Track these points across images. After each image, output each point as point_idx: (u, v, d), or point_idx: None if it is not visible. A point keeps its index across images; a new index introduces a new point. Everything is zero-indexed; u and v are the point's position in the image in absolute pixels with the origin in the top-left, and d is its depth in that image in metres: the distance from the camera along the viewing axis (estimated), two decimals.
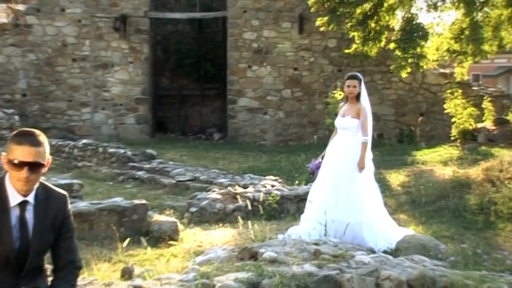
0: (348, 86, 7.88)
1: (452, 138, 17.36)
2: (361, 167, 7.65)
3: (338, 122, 8.00)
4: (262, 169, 15.67)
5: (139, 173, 15.28)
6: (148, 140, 22.34)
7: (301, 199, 10.23)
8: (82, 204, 8.41)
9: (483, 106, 18.00)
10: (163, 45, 26.21)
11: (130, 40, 22.55)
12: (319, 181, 7.95)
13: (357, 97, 7.88)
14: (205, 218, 9.98)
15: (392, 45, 18.13)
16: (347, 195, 7.62)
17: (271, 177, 13.02)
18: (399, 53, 17.63)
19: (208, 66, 25.65)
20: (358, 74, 8.03)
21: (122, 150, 16.78)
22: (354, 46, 18.88)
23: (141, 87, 22.72)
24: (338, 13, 17.90)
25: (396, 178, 13.30)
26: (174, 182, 14.10)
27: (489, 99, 18.56)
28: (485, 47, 17.59)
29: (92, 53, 22.52)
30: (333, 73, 21.76)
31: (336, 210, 7.54)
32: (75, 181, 10.97)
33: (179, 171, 14.74)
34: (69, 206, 4.08)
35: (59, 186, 4.44)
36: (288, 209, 10.44)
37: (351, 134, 7.81)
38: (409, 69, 18.23)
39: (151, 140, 22.29)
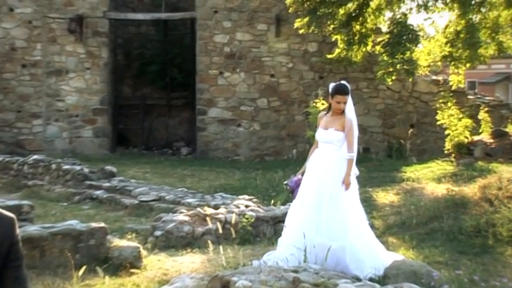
0: (339, 102, 7.81)
1: (446, 152, 17.47)
2: (347, 183, 7.66)
3: (320, 135, 7.96)
4: (235, 187, 15.67)
5: (98, 192, 15.20)
6: (108, 155, 22.25)
7: (279, 221, 10.24)
8: (32, 228, 8.33)
9: (479, 117, 18.13)
10: (125, 50, 26.16)
11: (87, 44, 22.49)
12: (299, 200, 7.93)
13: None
14: (171, 242, 9.95)
15: (378, 49, 18.20)
16: (330, 217, 7.61)
17: (246, 196, 13.02)
18: (386, 58, 17.66)
19: (175, 72, 25.65)
20: (348, 86, 7.96)
21: (78, 167, 16.68)
22: (337, 51, 18.96)
23: (99, 96, 22.64)
24: (319, 14, 17.95)
25: (384, 197, 13.35)
26: (136, 202, 14.05)
27: (486, 109, 18.72)
28: (482, 51, 17.71)
29: (44, 58, 22.42)
30: (314, 80, 21.86)
31: (319, 234, 7.54)
32: (24, 202, 10.87)
33: (142, 191, 14.70)
34: (18, 231, 4.04)
35: (6, 208, 4.41)
36: (263, 232, 10.44)
37: (334, 148, 7.79)
38: (394, 77, 18.26)
39: (111, 156, 22.20)
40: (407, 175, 15.44)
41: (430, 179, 14.58)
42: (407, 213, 11.44)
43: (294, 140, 21.77)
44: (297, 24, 18.66)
